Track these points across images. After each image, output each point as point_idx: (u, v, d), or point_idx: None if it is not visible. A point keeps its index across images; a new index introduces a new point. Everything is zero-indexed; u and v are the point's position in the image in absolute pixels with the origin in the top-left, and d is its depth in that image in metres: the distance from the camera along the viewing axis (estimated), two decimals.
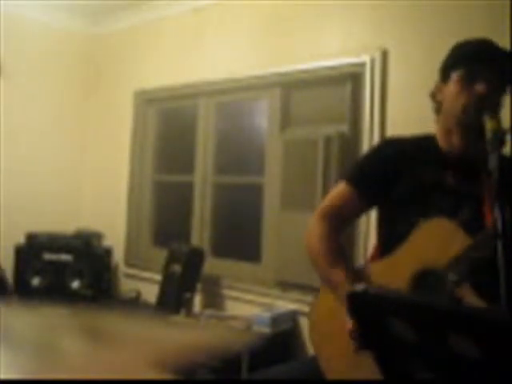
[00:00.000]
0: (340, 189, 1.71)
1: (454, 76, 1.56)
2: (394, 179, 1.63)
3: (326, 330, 1.60)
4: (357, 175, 1.72)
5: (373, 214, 2.07)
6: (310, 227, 1.70)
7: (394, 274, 1.49)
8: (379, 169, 1.67)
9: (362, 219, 2.72)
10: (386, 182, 1.64)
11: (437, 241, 1.45)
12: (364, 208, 1.77)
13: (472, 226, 1.44)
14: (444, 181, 1.58)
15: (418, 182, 1.60)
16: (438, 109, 1.63)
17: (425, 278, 1.44)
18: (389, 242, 1.62)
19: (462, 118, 1.53)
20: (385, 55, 2.87)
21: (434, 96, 1.64)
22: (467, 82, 1.53)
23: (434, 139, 1.66)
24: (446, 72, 1.61)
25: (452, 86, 1.57)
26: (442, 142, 1.63)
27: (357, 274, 1.56)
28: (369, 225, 2.75)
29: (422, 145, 1.67)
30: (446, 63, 1.63)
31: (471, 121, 1.49)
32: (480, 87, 1.49)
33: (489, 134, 1.33)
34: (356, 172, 1.74)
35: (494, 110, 1.45)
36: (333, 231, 1.67)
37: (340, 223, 1.70)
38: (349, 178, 1.71)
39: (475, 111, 1.47)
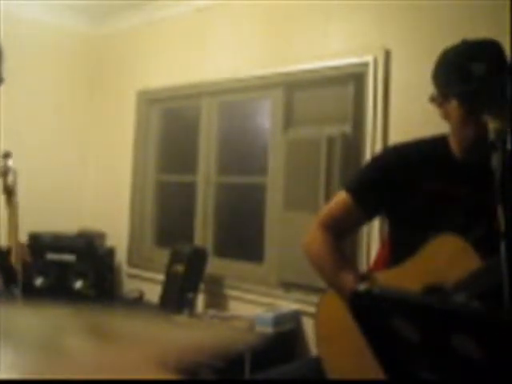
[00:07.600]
0: (340, 199, 1.66)
1: (455, 102, 1.45)
2: (400, 191, 1.55)
3: (331, 329, 1.60)
4: (356, 187, 1.65)
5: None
6: (311, 235, 1.68)
7: (401, 286, 1.46)
8: (380, 182, 1.59)
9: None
10: (389, 195, 1.58)
11: (445, 258, 1.41)
12: (364, 220, 1.74)
13: (485, 242, 1.36)
14: (457, 193, 1.49)
15: (428, 193, 1.51)
16: (445, 117, 1.52)
17: (432, 295, 1.40)
18: (400, 252, 1.58)
19: (472, 149, 1.46)
20: (388, 55, 2.86)
21: (435, 106, 1.53)
22: (471, 114, 1.41)
23: (445, 142, 1.55)
24: (443, 89, 1.49)
25: (454, 112, 1.46)
26: (454, 145, 1.53)
27: (364, 277, 1.55)
28: (371, 227, 2.74)
29: (431, 151, 1.57)
30: (442, 79, 1.49)
31: (482, 152, 1.37)
32: (488, 123, 1.33)
33: (492, 133, 1.31)
34: (356, 183, 1.67)
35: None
36: (334, 240, 1.65)
37: (340, 234, 1.67)
38: (348, 189, 1.65)
39: (485, 146, 1.34)
